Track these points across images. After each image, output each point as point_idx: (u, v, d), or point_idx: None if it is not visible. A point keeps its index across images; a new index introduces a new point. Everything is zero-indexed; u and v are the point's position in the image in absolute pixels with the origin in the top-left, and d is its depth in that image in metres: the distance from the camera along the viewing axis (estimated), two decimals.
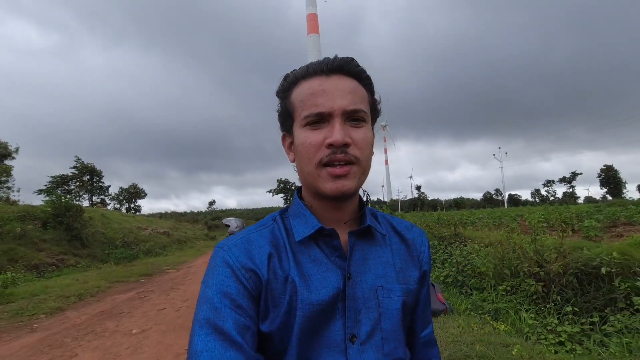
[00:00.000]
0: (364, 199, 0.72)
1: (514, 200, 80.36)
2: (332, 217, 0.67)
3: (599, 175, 63.82)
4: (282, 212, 0.72)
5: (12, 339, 4.59)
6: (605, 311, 3.59)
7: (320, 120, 0.60)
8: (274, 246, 0.64)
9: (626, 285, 3.55)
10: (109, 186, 37.57)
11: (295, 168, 0.68)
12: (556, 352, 3.24)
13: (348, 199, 0.65)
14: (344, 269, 0.64)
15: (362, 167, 0.62)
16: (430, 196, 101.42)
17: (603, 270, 3.69)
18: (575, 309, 3.77)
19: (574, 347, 3.34)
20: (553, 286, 4.08)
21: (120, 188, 45.62)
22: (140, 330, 4.71)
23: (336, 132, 0.58)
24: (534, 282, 4.20)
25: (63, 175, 31.22)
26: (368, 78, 0.66)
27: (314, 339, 0.60)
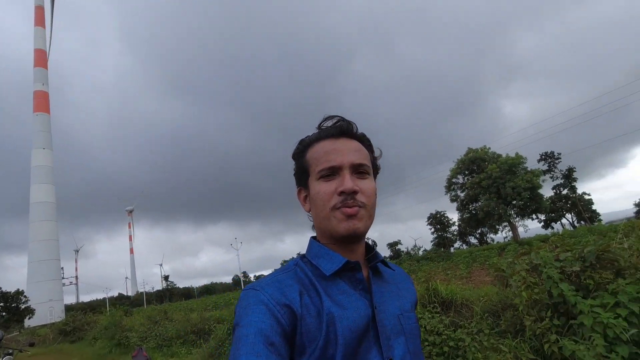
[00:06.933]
0: (371, 244, 0.84)
1: None
2: (347, 257, 0.75)
3: None
4: (302, 257, 0.80)
5: None
6: None
7: (332, 173, 0.75)
8: (302, 285, 0.71)
9: None
10: None
11: (310, 217, 0.82)
12: None
13: (358, 240, 0.77)
14: (369, 300, 0.73)
15: (369, 212, 0.75)
16: (181, 284, 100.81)
17: None
18: None
19: None
20: None
21: None
22: None
23: (347, 181, 0.72)
24: None
25: None
26: (368, 140, 0.82)
27: None
